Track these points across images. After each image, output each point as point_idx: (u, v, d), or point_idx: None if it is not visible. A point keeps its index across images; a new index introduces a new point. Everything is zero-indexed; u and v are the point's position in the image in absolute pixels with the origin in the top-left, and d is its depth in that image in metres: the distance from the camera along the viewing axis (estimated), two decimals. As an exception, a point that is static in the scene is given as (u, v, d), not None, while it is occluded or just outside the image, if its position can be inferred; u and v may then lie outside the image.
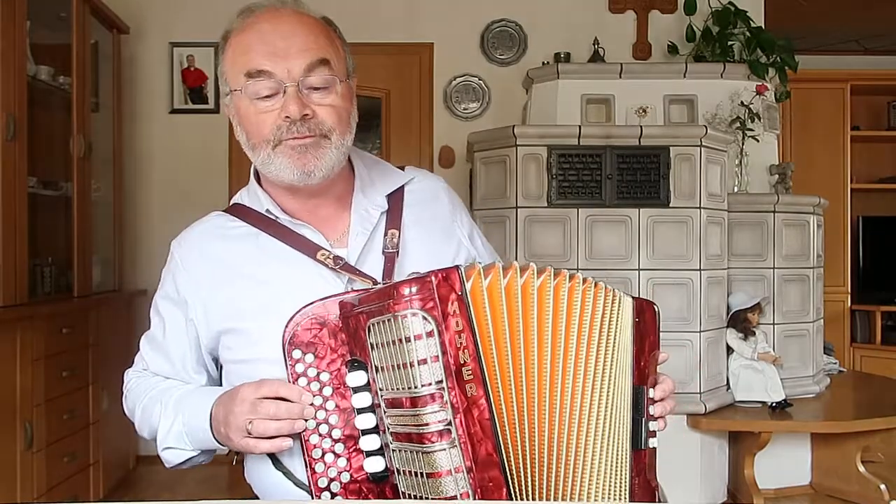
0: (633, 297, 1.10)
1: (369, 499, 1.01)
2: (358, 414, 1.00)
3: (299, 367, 1.03)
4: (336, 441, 1.02)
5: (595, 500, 1.01)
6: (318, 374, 1.03)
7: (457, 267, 0.95)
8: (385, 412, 0.97)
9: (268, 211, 1.19)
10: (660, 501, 1.15)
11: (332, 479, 1.02)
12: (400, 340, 0.92)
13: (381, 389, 0.97)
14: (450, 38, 4.15)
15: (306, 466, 1.02)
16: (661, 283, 3.00)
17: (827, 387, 3.54)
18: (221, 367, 1.21)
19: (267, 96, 1.09)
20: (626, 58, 4.08)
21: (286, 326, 1.04)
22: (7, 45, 2.63)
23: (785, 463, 3.25)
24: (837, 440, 3.17)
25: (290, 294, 1.08)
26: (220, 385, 1.21)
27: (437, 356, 0.91)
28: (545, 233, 3.00)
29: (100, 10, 3.51)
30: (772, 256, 3.33)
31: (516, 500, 0.94)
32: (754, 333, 3.23)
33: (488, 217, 3.09)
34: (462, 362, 0.92)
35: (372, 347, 0.97)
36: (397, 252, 1.17)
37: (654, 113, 3.47)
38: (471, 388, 0.92)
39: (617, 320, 1.06)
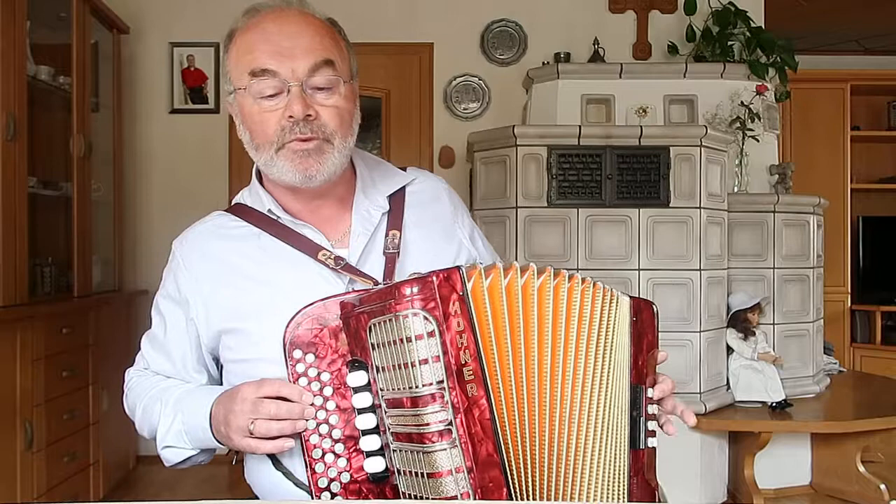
0: (630, 297, 1.10)
1: (369, 499, 1.01)
2: (358, 414, 1.01)
3: (300, 367, 1.03)
4: (336, 441, 1.02)
5: (595, 500, 1.01)
6: (319, 374, 1.03)
7: (458, 267, 0.95)
8: (386, 412, 0.97)
9: (269, 211, 1.19)
10: (659, 501, 1.15)
11: (332, 480, 1.02)
12: (401, 340, 0.92)
13: (381, 389, 0.97)
14: (450, 38, 4.15)
15: (306, 466, 1.02)
16: (661, 283, 3.00)
17: (827, 387, 3.54)
18: (222, 366, 1.21)
19: (271, 95, 1.10)
20: (626, 58, 4.08)
21: (287, 326, 1.04)
22: (7, 45, 2.63)
23: (785, 463, 3.25)
24: (837, 440, 3.17)
25: (291, 294, 1.08)
26: (221, 385, 1.21)
27: (438, 356, 0.91)
28: (545, 233, 3.00)
29: (100, 9, 3.51)
30: (772, 256, 3.33)
31: (516, 500, 0.94)
32: (754, 333, 3.23)
33: (488, 217, 3.09)
34: (463, 362, 0.92)
35: (373, 347, 0.97)
36: (398, 253, 1.17)
37: (654, 113, 3.47)
38: (472, 388, 0.92)
39: (614, 319, 1.07)
